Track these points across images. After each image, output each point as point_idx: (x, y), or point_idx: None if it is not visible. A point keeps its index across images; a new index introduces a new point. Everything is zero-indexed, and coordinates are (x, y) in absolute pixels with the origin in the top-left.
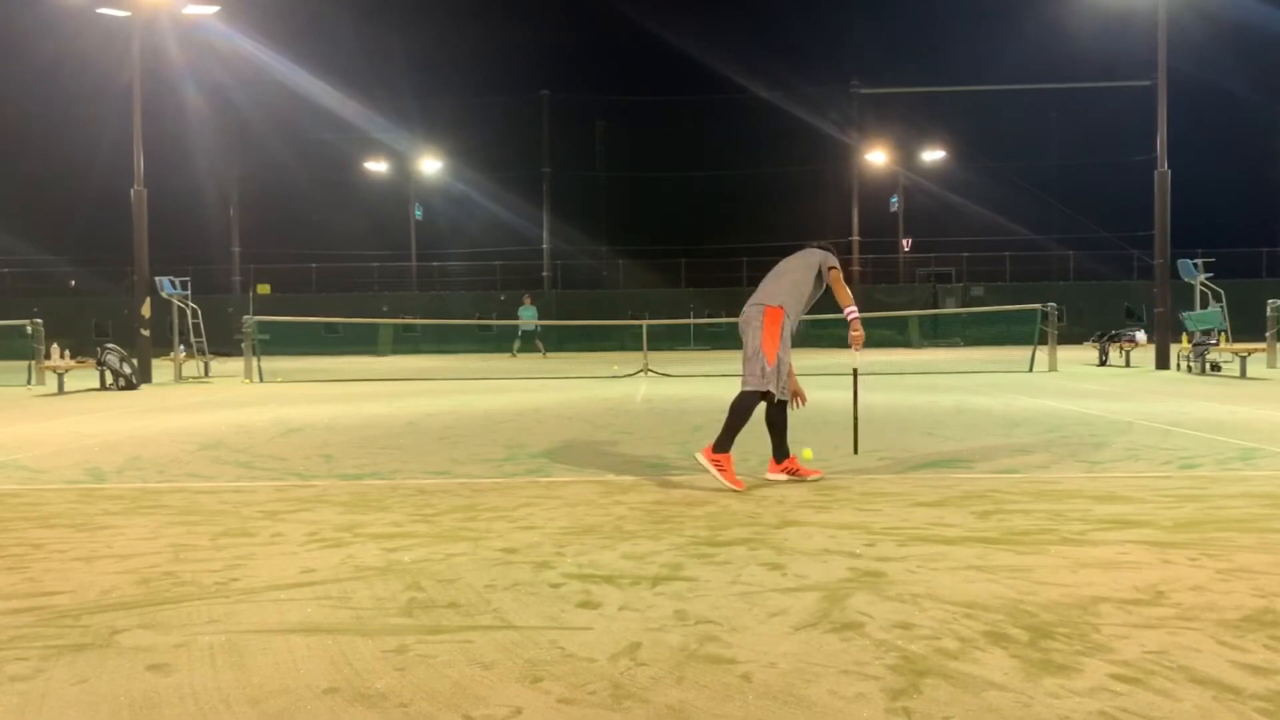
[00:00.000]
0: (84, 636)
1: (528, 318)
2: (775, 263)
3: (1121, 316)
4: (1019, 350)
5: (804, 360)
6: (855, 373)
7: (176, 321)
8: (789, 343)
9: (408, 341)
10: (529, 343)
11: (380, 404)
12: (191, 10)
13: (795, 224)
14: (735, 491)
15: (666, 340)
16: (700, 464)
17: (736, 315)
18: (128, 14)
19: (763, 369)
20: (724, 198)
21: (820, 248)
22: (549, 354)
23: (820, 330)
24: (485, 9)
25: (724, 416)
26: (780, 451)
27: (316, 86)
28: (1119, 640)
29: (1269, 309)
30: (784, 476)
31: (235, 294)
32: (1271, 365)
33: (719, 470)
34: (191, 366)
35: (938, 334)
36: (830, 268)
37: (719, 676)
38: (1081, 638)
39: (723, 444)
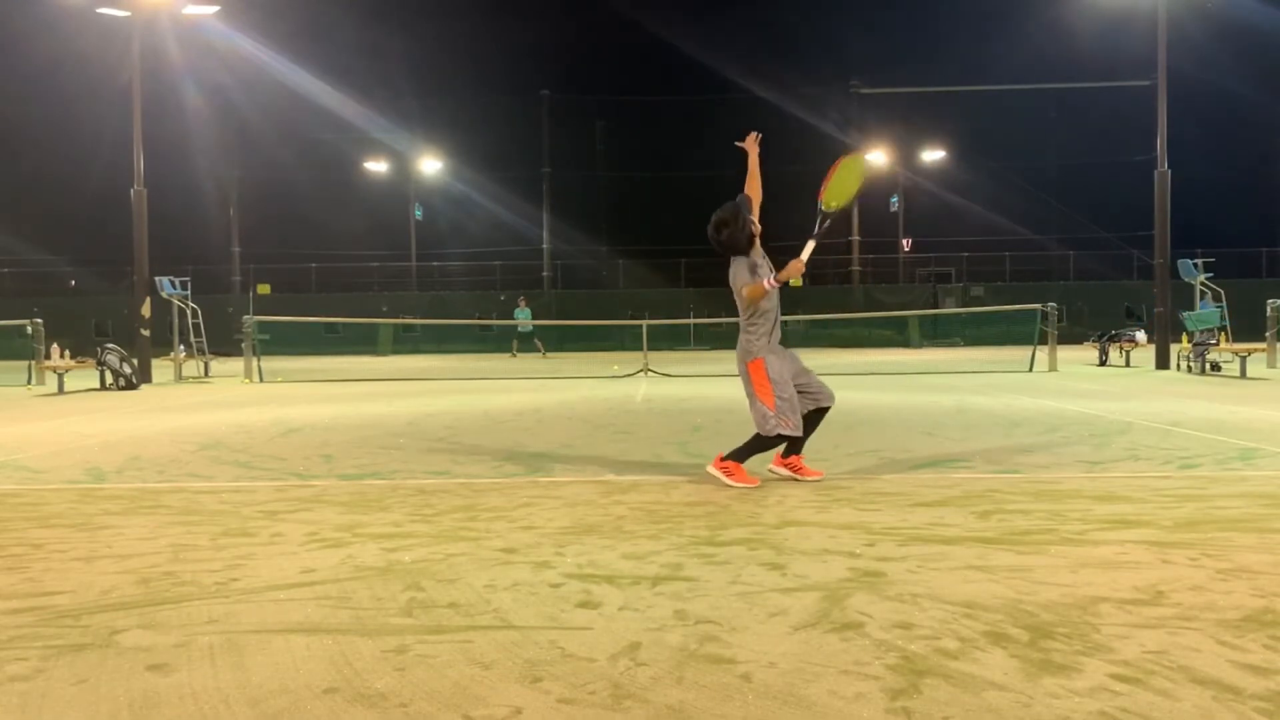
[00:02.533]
0: (84, 636)
1: (522, 319)
2: (771, 261)
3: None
4: (1019, 350)
5: (804, 361)
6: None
7: (176, 321)
8: (784, 372)
9: (408, 341)
10: (528, 342)
11: (380, 404)
12: (191, 10)
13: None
14: (748, 489)
15: (666, 340)
16: (711, 474)
17: (736, 315)
18: (128, 14)
19: (765, 416)
20: (724, 198)
21: (725, 239)
22: (549, 354)
23: (820, 330)
24: (485, 9)
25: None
26: (791, 446)
27: (316, 86)
28: (1119, 640)
29: (1269, 309)
30: (786, 472)
31: (235, 294)
32: (1271, 365)
33: (727, 475)
34: (191, 366)
35: (938, 334)
36: (747, 286)
37: (719, 676)
38: (1081, 638)
39: (737, 457)
